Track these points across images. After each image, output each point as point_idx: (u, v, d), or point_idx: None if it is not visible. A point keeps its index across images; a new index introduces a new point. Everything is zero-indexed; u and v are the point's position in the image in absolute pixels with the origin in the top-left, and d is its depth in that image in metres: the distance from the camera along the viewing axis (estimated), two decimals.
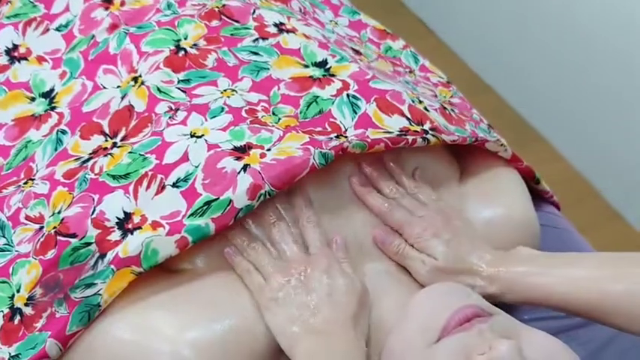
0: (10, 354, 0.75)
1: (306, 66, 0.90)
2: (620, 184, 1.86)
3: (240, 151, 0.77)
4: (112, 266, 0.73)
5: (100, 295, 0.73)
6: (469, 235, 0.80)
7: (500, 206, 0.87)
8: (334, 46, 0.95)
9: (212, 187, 0.75)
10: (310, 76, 0.89)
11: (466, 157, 0.93)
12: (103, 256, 0.74)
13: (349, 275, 0.74)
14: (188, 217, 0.74)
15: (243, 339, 0.71)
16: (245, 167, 0.75)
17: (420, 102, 0.89)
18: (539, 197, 1.04)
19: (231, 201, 0.73)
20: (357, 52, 1.02)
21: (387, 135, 0.81)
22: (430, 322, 0.66)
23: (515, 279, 0.75)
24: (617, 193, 1.88)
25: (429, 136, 0.83)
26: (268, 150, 0.77)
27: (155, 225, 0.74)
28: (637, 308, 0.70)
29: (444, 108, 0.94)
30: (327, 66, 0.90)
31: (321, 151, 0.76)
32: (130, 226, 0.75)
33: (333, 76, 0.89)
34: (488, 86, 2.16)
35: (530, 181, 0.99)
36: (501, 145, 0.92)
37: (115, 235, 0.74)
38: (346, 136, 0.81)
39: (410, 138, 0.81)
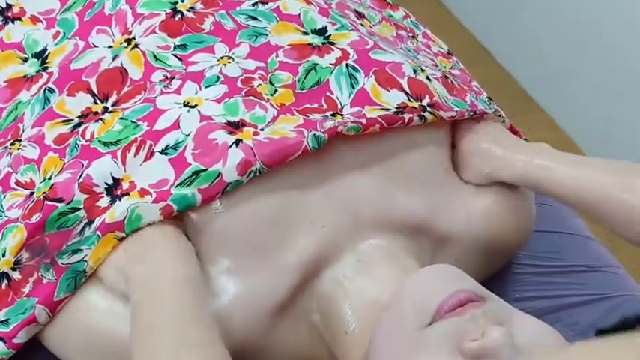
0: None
1: (306, 33, 0.88)
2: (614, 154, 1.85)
3: (234, 126, 0.76)
4: (98, 232, 0.73)
5: (86, 261, 0.73)
6: None
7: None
8: (335, 12, 0.93)
9: (202, 157, 0.74)
10: (309, 44, 0.87)
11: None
12: (90, 222, 0.74)
13: None
14: (176, 186, 0.73)
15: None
16: (237, 142, 0.74)
17: (422, 70, 0.87)
18: None
19: (220, 174, 0.73)
20: (360, 15, 1.00)
21: (384, 112, 0.79)
22: (423, 305, 0.66)
23: (532, 170, 0.81)
24: None
25: (426, 114, 0.81)
26: (261, 130, 0.76)
27: (143, 192, 0.74)
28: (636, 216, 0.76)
29: (446, 77, 0.92)
30: (327, 34, 0.88)
31: (314, 134, 0.75)
32: (118, 192, 0.74)
33: (332, 44, 0.87)
34: (488, 54, 2.15)
35: None
36: (499, 116, 0.91)
37: (104, 201, 0.74)
38: (342, 114, 0.80)
39: (406, 117, 0.79)
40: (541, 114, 2.02)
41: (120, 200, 0.74)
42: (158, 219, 0.73)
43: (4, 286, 0.75)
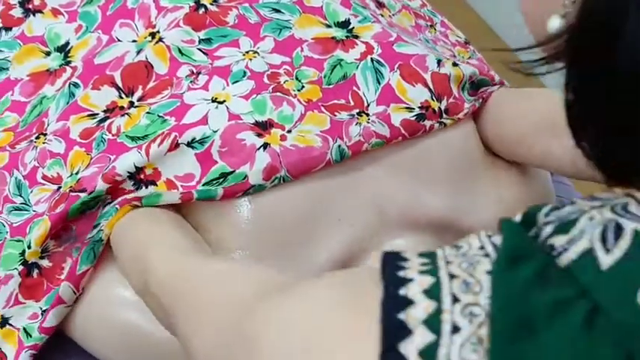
0: (40, 308, 0.76)
1: (329, 26, 0.88)
2: None
3: (262, 127, 0.76)
4: (117, 206, 0.75)
5: (102, 230, 0.75)
6: None
7: None
8: (357, 3, 0.92)
9: (229, 156, 0.74)
10: (333, 37, 0.86)
11: None
12: (112, 201, 0.76)
13: None
14: (203, 184, 0.74)
15: None
16: (265, 145, 0.74)
17: (447, 59, 0.86)
18: None
19: (246, 176, 0.73)
20: (380, 5, 1.00)
21: (407, 115, 0.80)
22: None
23: None
24: None
25: (445, 120, 0.81)
26: (289, 132, 0.76)
27: (169, 184, 0.75)
28: None
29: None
30: (350, 26, 0.88)
31: (339, 146, 0.76)
32: (141, 176, 0.75)
33: (356, 37, 0.86)
34: (492, 31, 2.14)
35: None
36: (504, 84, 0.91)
37: (128, 184, 0.76)
38: (368, 113, 0.80)
39: (427, 124, 0.80)
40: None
41: (146, 187, 0.75)
42: (177, 201, 0.75)
43: (35, 275, 0.76)
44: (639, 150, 0.41)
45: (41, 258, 0.76)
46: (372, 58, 0.84)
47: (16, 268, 0.76)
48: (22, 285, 0.76)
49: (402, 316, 0.40)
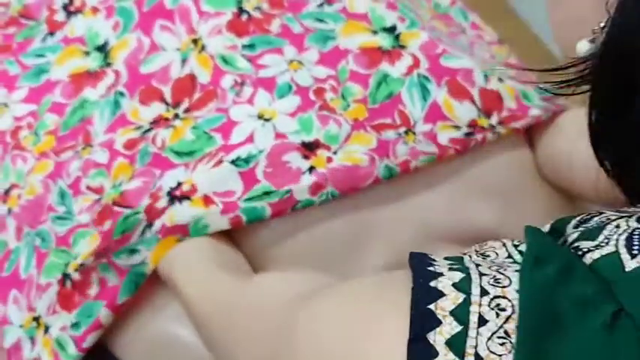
0: (71, 321, 0.77)
1: (375, 32, 0.87)
2: None
3: (308, 148, 0.76)
4: (159, 236, 0.75)
5: (147, 264, 0.75)
6: None
7: None
8: (403, 4, 0.91)
9: (273, 177, 0.74)
10: (379, 47, 0.85)
11: None
12: (150, 225, 0.75)
13: None
14: (245, 200, 0.74)
15: None
16: (311, 169, 0.75)
17: (492, 72, 0.86)
18: None
19: (290, 191, 0.74)
20: (416, 15, 0.99)
21: (455, 134, 0.80)
22: None
23: None
24: None
25: (498, 130, 0.81)
26: (334, 153, 0.76)
27: (207, 201, 0.74)
28: None
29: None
30: (397, 32, 0.87)
31: (387, 164, 0.76)
32: (177, 193, 0.75)
33: (403, 48, 0.86)
34: (512, 10, 2.11)
35: None
36: None
37: (162, 201, 0.75)
38: (414, 132, 0.80)
39: (479, 136, 0.80)
40: None
41: (180, 203, 0.74)
42: (227, 227, 0.74)
43: (69, 286, 0.77)
44: None
45: (75, 270, 0.77)
46: (418, 73, 0.83)
47: (55, 277, 0.77)
48: (59, 294, 0.77)
49: (431, 306, 0.42)
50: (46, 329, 0.77)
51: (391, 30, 0.87)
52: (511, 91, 0.84)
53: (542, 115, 0.85)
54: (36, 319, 0.78)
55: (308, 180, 0.74)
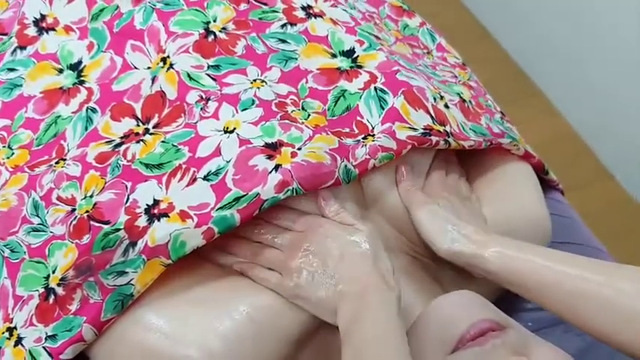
0: (46, 333, 0.78)
1: (334, 55, 0.92)
2: (613, 144, 1.89)
3: (272, 148, 0.79)
4: (144, 256, 0.76)
5: (133, 285, 0.76)
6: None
7: (514, 206, 0.90)
8: (362, 28, 0.96)
9: (242, 182, 0.77)
10: (337, 68, 0.90)
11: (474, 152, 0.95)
12: (133, 244, 0.76)
13: (349, 226, 0.78)
14: (217, 209, 0.76)
15: (272, 322, 0.75)
16: (277, 167, 0.77)
17: (442, 98, 0.91)
18: (544, 184, 1.07)
19: (258, 194, 0.76)
20: (377, 38, 1.03)
21: (412, 133, 0.84)
22: (447, 333, 0.70)
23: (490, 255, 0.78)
24: (611, 152, 1.92)
25: (450, 140, 0.86)
26: (299, 149, 0.79)
27: (183, 215, 0.76)
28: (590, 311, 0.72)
29: (463, 101, 0.96)
30: (355, 55, 0.92)
31: (346, 165, 0.80)
32: (155, 211, 0.77)
33: (360, 67, 0.90)
34: (489, 34, 2.17)
35: (540, 172, 1.03)
36: (514, 145, 0.95)
37: (142, 220, 0.77)
38: (373, 135, 0.84)
39: (434, 139, 0.84)
40: (541, 97, 2.05)
41: (159, 220, 0.76)
42: (201, 243, 0.76)
43: (51, 301, 0.79)
44: None
45: (58, 285, 0.78)
46: (375, 87, 0.88)
47: (37, 290, 0.79)
48: (38, 307, 0.79)
49: None
50: (19, 341, 0.79)
51: (349, 53, 0.92)
52: (453, 120, 0.89)
53: (481, 142, 0.90)
54: (10, 329, 0.80)
55: (275, 178, 0.76)
